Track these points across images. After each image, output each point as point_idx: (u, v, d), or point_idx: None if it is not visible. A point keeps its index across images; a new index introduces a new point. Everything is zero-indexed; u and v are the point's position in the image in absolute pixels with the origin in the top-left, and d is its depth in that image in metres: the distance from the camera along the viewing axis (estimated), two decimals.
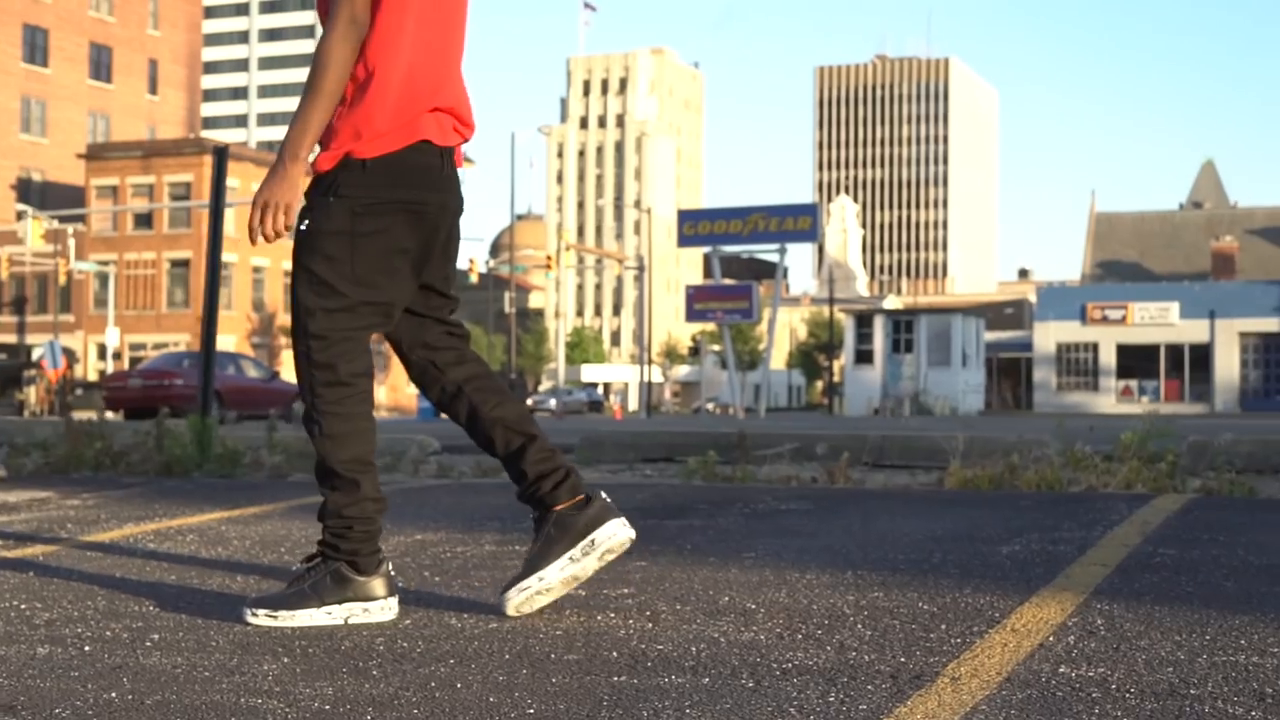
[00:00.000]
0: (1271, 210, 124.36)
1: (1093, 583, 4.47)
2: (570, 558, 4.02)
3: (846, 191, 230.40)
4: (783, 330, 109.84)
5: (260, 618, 3.92)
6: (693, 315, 76.08)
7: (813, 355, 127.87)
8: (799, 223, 73.30)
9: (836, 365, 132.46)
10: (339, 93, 3.84)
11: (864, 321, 50.87)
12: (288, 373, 57.05)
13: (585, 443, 9.97)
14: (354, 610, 3.97)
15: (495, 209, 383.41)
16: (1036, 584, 4.44)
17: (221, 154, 9.33)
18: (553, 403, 67.25)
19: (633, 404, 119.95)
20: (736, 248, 75.94)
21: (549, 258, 73.26)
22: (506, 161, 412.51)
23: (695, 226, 73.39)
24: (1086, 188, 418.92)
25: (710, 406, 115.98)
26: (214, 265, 9.11)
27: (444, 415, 4.25)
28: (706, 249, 75.97)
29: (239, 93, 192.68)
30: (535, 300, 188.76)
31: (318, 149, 3.95)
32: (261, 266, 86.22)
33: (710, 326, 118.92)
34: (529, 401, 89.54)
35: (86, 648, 3.62)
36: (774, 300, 74.75)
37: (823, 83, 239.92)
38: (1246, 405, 64.74)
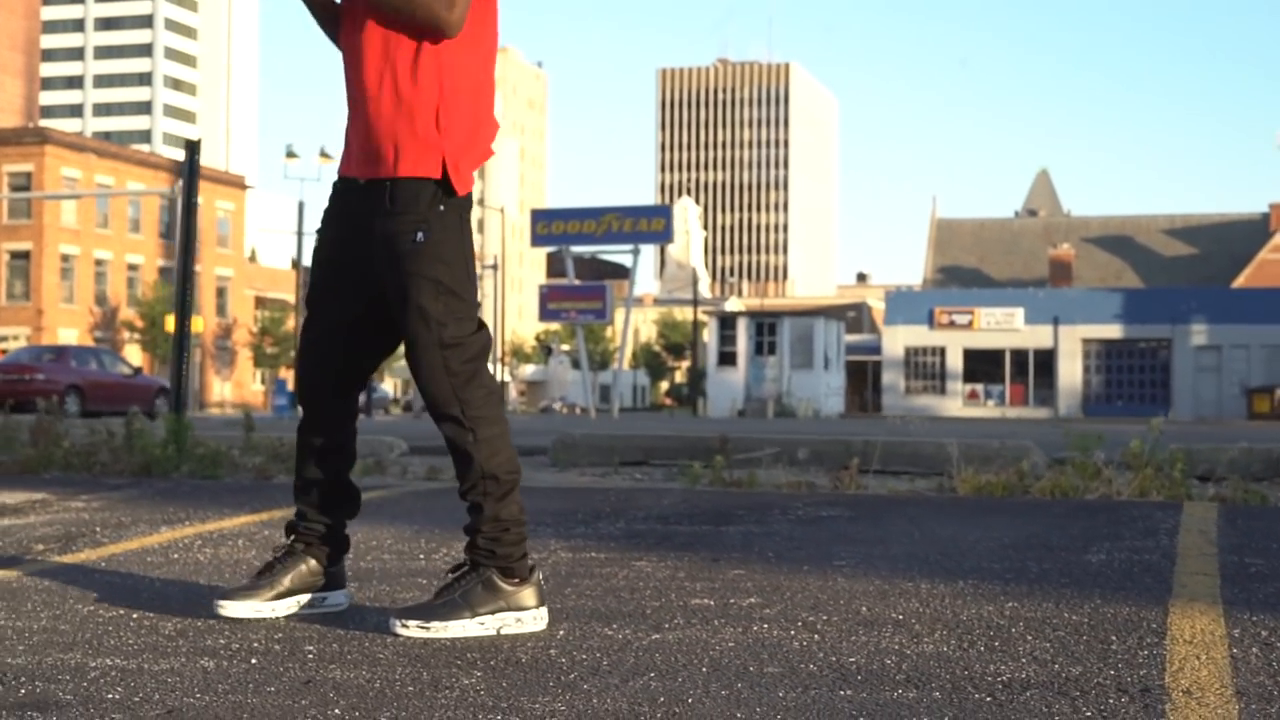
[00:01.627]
0: (1106, 219, 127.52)
1: (1213, 593, 4.50)
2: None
3: (689, 193, 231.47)
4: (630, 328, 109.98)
5: (411, 629, 3.81)
6: (546, 315, 75.88)
7: (660, 356, 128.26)
8: (652, 224, 73.51)
9: (684, 366, 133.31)
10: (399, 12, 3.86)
11: (727, 323, 51.12)
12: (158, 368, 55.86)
13: (559, 445, 9.84)
14: (506, 620, 3.89)
15: (310, 192, 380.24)
16: (1161, 594, 4.46)
17: (193, 147, 9.06)
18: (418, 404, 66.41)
19: None
20: (589, 248, 76.00)
21: None
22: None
23: (548, 226, 73.22)
24: (925, 194, 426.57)
25: (558, 406, 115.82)
26: (185, 264, 8.85)
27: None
28: (556, 248, 76.01)
29: (74, 81, 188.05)
30: None
31: (394, 158, 3.93)
32: (104, 259, 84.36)
33: (555, 325, 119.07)
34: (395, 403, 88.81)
35: (253, 660, 3.49)
36: (627, 301, 74.94)
37: (665, 85, 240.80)
38: (1089, 410, 66.19)
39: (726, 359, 50.80)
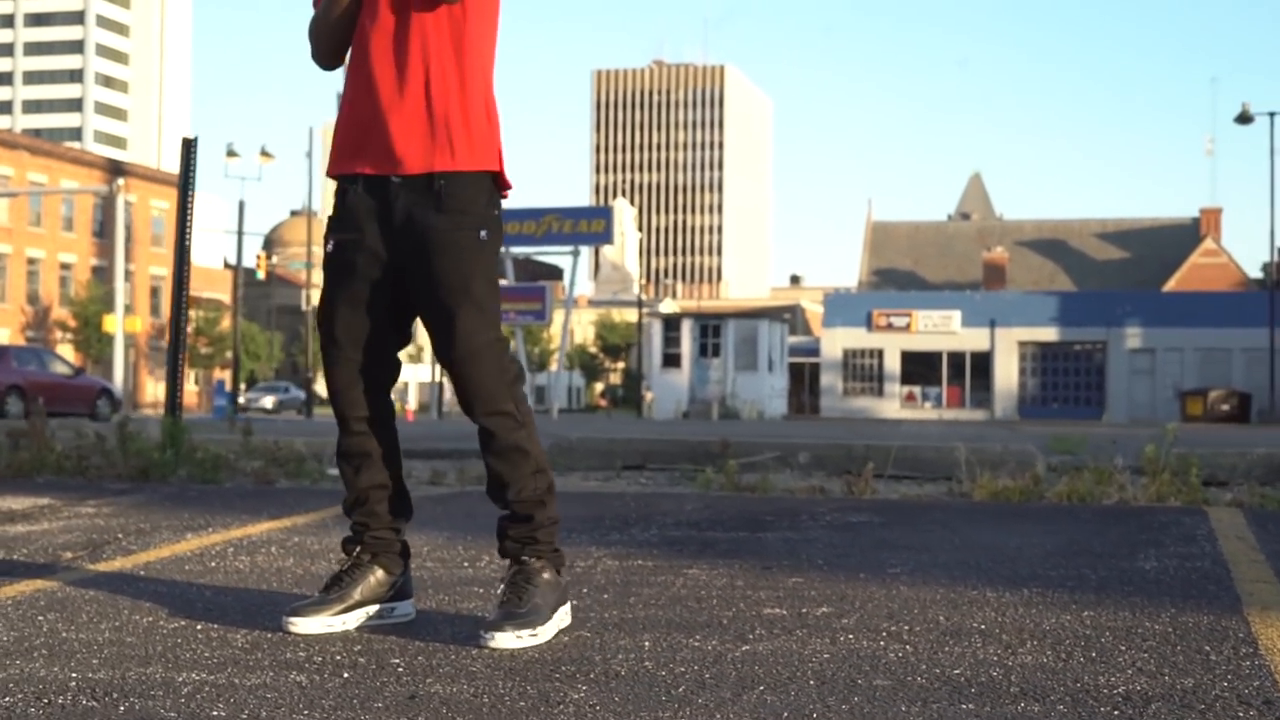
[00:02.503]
0: (1039, 222, 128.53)
1: None
2: None
3: (623, 195, 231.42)
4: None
5: (511, 639, 3.68)
6: None
7: (597, 358, 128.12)
8: (593, 225, 73.38)
9: (620, 368, 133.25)
10: None
11: (671, 325, 51.08)
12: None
13: (555, 449, 9.73)
14: (562, 616, 3.87)
15: (268, 203, 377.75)
16: (1231, 603, 4.44)
17: (189, 146, 8.90)
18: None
19: (411, 402, 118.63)
20: (529, 249, 75.83)
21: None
22: (283, 155, 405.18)
23: None
24: (858, 196, 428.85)
25: None
26: (180, 267, 8.70)
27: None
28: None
29: (4, 78, 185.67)
30: (312, 298, 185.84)
31: (450, 151, 3.80)
32: (37, 258, 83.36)
33: None
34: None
35: (344, 674, 3.39)
36: (567, 302, 74.86)
37: (600, 86, 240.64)
38: (1024, 412, 66.68)
39: (671, 360, 50.76)
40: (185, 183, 8.75)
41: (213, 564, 5.14)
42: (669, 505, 6.99)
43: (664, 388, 50.84)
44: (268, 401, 67.93)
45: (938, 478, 8.73)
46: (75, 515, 6.59)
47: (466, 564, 5.20)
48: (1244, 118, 50.82)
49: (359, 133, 3.81)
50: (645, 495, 7.39)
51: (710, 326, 50.46)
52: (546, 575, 3.85)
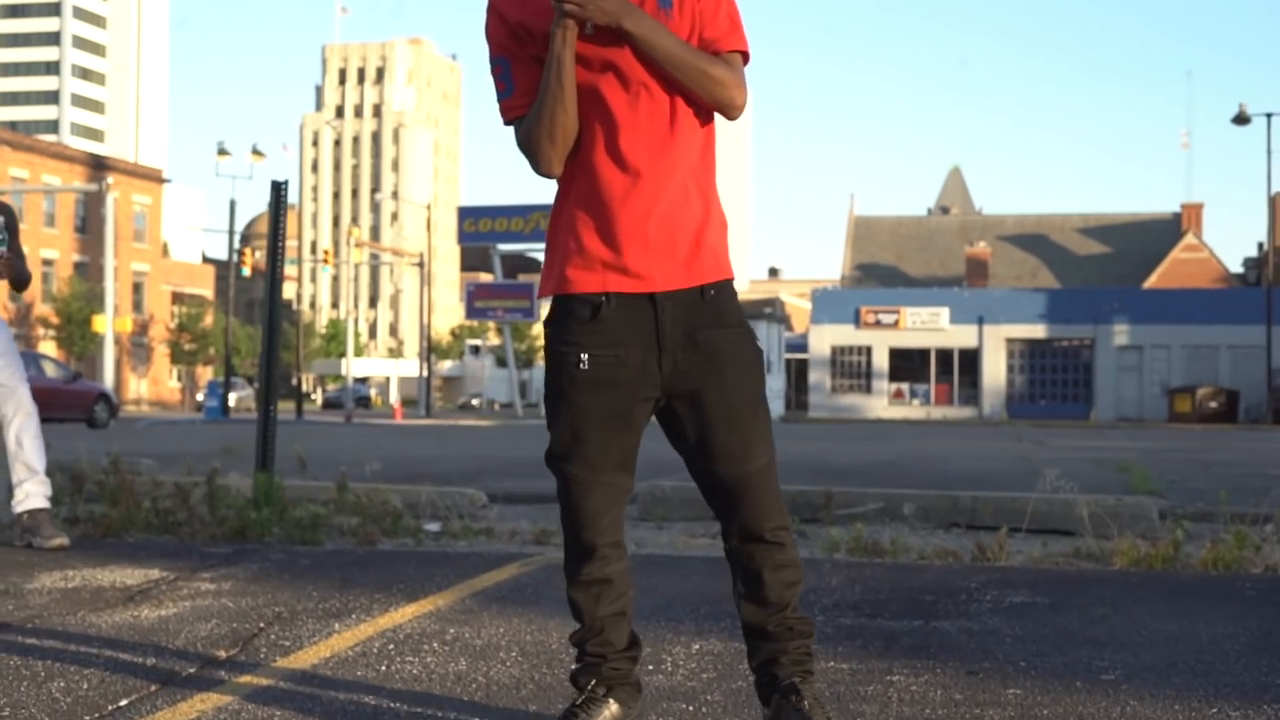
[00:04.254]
0: (1021, 217, 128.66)
1: None
2: None
3: None
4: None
5: None
6: (473, 313, 75.43)
7: None
8: None
9: None
10: (685, 64, 3.38)
11: None
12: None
13: (649, 498, 9.44)
14: None
15: (244, 195, 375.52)
16: None
17: (279, 189, 8.61)
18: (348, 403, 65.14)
19: (392, 397, 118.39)
20: (517, 246, 75.61)
21: (327, 253, 71.69)
22: (256, 147, 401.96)
23: (476, 224, 72.77)
24: (837, 189, 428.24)
25: (476, 402, 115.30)
26: (273, 302, 8.41)
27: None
28: (484, 245, 75.57)
29: None
30: (288, 290, 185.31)
31: (715, 261, 3.52)
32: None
33: (470, 321, 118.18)
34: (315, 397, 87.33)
35: None
36: None
37: None
38: (1012, 410, 66.73)
39: None
40: (275, 225, 8.46)
41: (383, 667, 4.86)
42: (811, 577, 6.71)
43: None
44: (230, 399, 67.12)
45: (1050, 530, 8.46)
46: (197, 594, 6.30)
47: (650, 666, 4.92)
48: (1241, 119, 50.80)
49: (603, 244, 3.46)
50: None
51: None
52: (815, 692, 3.64)
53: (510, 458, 17.13)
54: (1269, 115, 51.34)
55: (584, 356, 3.50)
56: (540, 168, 3.50)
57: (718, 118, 3.56)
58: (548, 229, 3.61)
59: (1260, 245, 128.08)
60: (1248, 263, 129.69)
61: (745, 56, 3.52)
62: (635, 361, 3.48)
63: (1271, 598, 6.28)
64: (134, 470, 11.20)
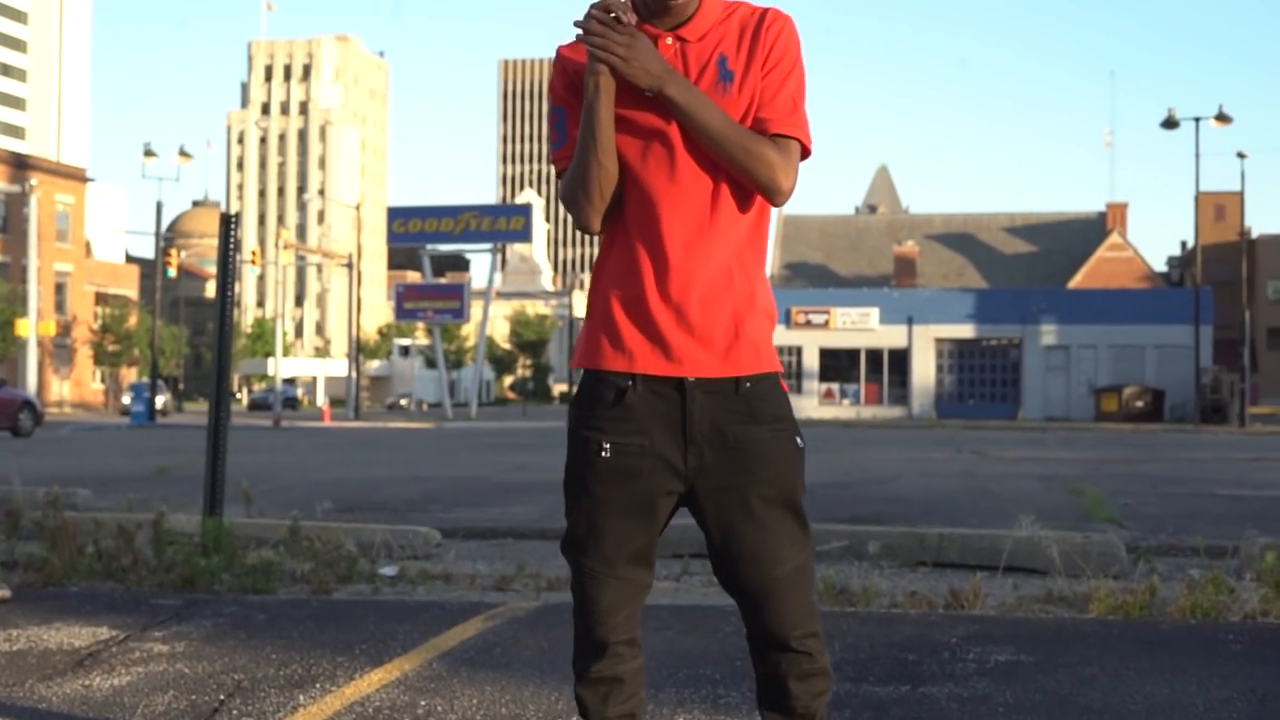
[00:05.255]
0: (949, 216, 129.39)
1: None
2: None
3: (531, 185, 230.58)
4: (475, 325, 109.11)
5: None
6: (402, 315, 74.93)
7: (511, 352, 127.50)
8: (512, 223, 73.03)
9: (529, 363, 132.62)
10: (728, 141, 3.17)
11: None
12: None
13: None
14: None
15: (169, 196, 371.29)
16: None
17: (229, 221, 8.33)
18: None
19: (320, 398, 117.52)
20: (446, 246, 75.21)
21: (254, 253, 70.89)
22: (175, 147, 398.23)
23: (405, 224, 72.31)
24: None
25: (404, 402, 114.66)
26: (222, 340, 8.13)
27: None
28: (414, 246, 75.10)
29: None
30: (212, 289, 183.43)
31: (757, 352, 3.29)
32: None
33: (392, 319, 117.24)
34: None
35: None
36: (485, 301, 74.28)
37: (507, 75, 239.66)
38: (941, 409, 67.05)
39: None
40: (225, 259, 8.19)
41: None
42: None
43: None
44: (159, 401, 65.83)
45: (1019, 568, 8.32)
46: (150, 657, 6.03)
47: None
48: (1170, 123, 51.18)
49: (637, 323, 3.25)
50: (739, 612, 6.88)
51: None
52: None
53: (455, 479, 16.87)
54: (1197, 119, 51.77)
55: (606, 444, 3.28)
56: (578, 221, 3.31)
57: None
58: (588, 293, 3.41)
59: (1184, 244, 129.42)
60: (1171, 261, 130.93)
61: (803, 147, 3.31)
62: (659, 453, 3.26)
63: (1258, 653, 6.15)
64: (71, 504, 10.90)
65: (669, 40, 3.25)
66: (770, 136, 3.24)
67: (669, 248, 3.21)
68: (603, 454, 3.28)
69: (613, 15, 3.13)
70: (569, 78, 3.33)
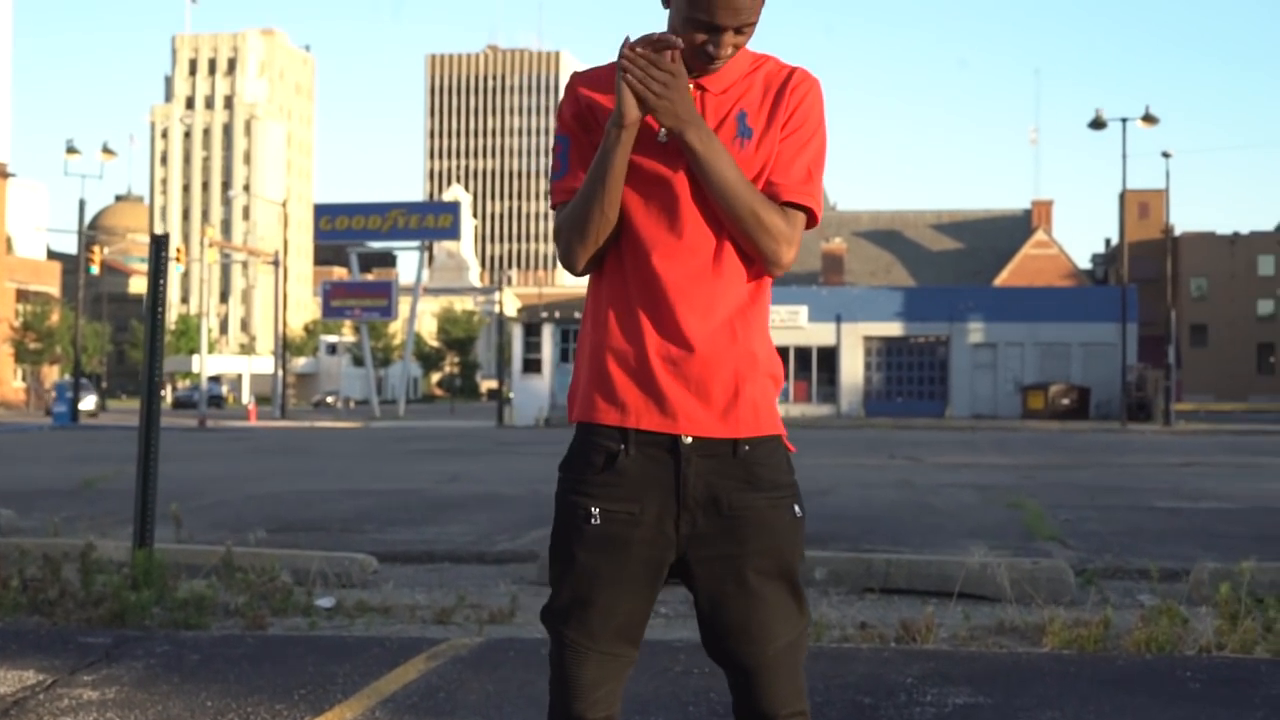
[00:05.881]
0: (876, 214, 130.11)
1: None
2: None
3: (458, 181, 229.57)
4: (402, 322, 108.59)
5: None
6: (330, 313, 74.45)
7: (438, 348, 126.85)
8: (440, 220, 72.70)
9: (456, 360, 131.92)
10: (739, 199, 3.01)
11: (532, 330, 50.22)
12: None
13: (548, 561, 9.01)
14: None
15: (90, 189, 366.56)
16: None
17: (159, 241, 8.06)
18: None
19: (244, 396, 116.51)
20: (374, 244, 74.76)
21: (179, 250, 70.05)
22: (98, 142, 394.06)
23: (333, 221, 71.87)
24: None
25: (331, 399, 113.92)
26: (152, 369, 7.87)
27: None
28: (341, 243, 74.65)
29: None
30: (136, 285, 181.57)
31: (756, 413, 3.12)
32: None
33: (318, 315, 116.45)
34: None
35: None
36: (413, 298, 73.91)
37: (434, 71, 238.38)
38: (870, 408, 67.19)
39: (532, 366, 49.96)
40: (155, 278, 7.93)
41: None
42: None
43: (525, 394, 50.07)
44: (89, 403, 64.70)
45: (967, 594, 8.20)
46: (80, 706, 5.79)
47: None
48: (1097, 123, 51.51)
49: (632, 376, 3.08)
50: (692, 647, 6.71)
51: (572, 331, 49.77)
52: None
53: (389, 493, 16.60)
54: (1124, 120, 52.13)
55: (595, 511, 3.10)
56: (565, 259, 3.15)
57: None
58: (579, 335, 3.24)
59: (1108, 241, 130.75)
60: (1096, 259, 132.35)
61: (810, 216, 3.15)
62: (651, 520, 3.09)
63: (1216, 692, 6.05)
64: None
65: (690, 88, 3.08)
66: (779, 203, 3.09)
67: (669, 301, 3.06)
68: (591, 521, 3.09)
69: (661, 51, 2.97)
70: (579, 109, 3.18)
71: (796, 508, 3.15)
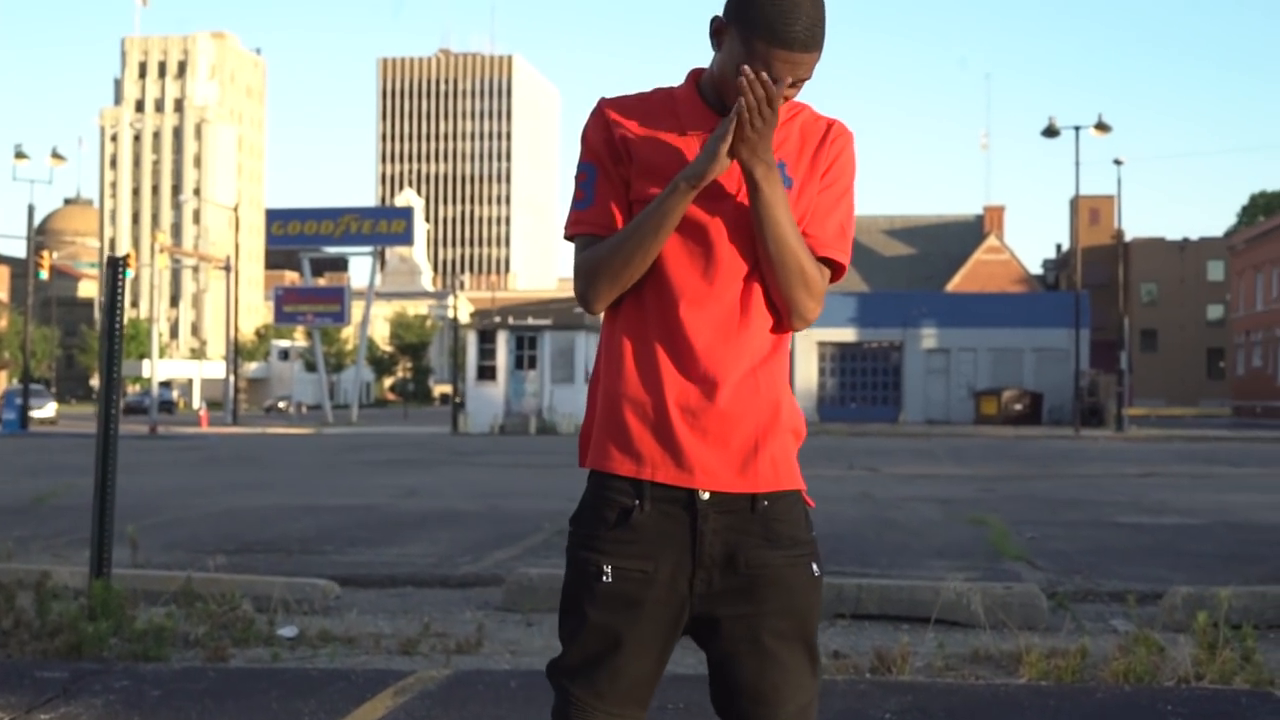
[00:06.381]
0: None
1: None
2: None
3: (410, 185, 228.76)
4: (355, 327, 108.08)
5: None
6: (282, 318, 73.93)
7: (391, 353, 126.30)
8: (393, 225, 72.30)
9: (409, 365, 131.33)
10: (790, 251, 2.90)
11: (487, 337, 49.89)
12: None
13: (516, 588, 8.86)
14: None
15: (39, 193, 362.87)
16: None
17: (115, 264, 7.89)
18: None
19: (196, 401, 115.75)
20: (327, 249, 74.27)
21: (130, 255, 69.43)
22: (46, 145, 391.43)
23: (285, 226, 71.33)
24: None
25: (283, 404, 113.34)
26: (109, 384, 7.69)
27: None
28: (293, 248, 74.14)
29: None
30: (85, 289, 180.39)
31: (775, 468, 3.00)
32: None
33: (269, 319, 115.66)
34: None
35: None
36: (366, 303, 73.48)
37: (386, 74, 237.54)
38: (824, 413, 67.21)
39: (486, 373, 49.69)
40: (112, 303, 7.76)
41: None
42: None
43: (479, 400, 49.78)
44: (49, 410, 63.90)
45: (942, 621, 8.10)
46: None
47: None
48: (1050, 131, 51.70)
49: (649, 426, 2.96)
50: (687, 678, 6.56)
51: (526, 338, 49.51)
52: None
53: (347, 510, 16.39)
54: (1077, 128, 52.35)
55: (608, 568, 2.99)
56: (585, 297, 3.02)
57: None
58: (592, 374, 3.11)
59: (1059, 247, 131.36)
60: (1047, 264, 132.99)
61: (837, 271, 3.05)
62: (665, 579, 2.97)
63: None
64: None
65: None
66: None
67: (692, 349, 2.95)
68: (603, 578, 2.99)
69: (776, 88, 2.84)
70: (610, 137, 3.04)
71: (815, 566, 3.05)
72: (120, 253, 66.66)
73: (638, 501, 2.96)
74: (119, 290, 7.79)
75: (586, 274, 3.00)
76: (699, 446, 2.94)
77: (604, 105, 3.08)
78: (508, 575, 9.23)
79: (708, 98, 3.02)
